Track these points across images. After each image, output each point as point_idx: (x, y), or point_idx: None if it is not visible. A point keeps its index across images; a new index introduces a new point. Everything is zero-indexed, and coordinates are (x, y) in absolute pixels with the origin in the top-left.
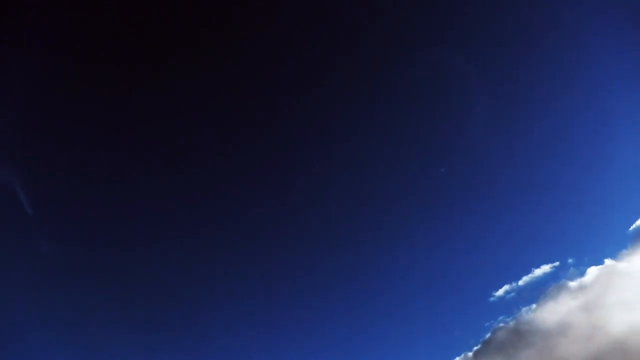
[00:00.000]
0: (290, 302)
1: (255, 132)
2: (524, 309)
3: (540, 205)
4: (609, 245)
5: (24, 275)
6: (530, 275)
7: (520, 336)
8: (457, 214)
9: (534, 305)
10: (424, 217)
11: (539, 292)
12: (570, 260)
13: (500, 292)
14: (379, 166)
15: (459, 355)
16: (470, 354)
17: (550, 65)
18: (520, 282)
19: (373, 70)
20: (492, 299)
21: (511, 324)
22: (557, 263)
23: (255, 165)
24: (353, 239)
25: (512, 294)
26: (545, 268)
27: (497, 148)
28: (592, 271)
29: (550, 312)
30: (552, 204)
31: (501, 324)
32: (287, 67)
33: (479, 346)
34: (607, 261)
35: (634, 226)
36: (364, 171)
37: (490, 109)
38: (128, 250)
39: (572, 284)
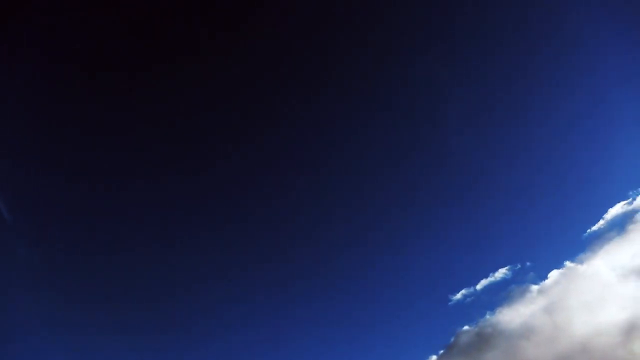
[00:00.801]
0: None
1: (256, 134)
2: (487, 313)
3: (496, 209)
4: (569, 249)
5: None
6: (490, 278)
7: (484, 340)
8: (413, 218)
9: (497, 309)
10: (380, 222)
11: (499, 295)
12: (528, 264)
13: (459, 295)
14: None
15: None
16: (434, 357)
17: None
18: (479, 286)
19: (373, 72)
20: (451, 302)
21: (474, 327)
22: (516, 266)
23: (254, 166)
24: (315, 244)
25: (472, 297)
26: (504, 271)
27: (454, 152)
28: (554, 274)
29: (513, 315)
30: (508, 207)
31: (464, 328)
32: (288, 69)
33: (442, 351)
34: (568, 264)
35: (593, 229)
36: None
37: (457, 112)
38: (123, 253)
39: (534, 287)
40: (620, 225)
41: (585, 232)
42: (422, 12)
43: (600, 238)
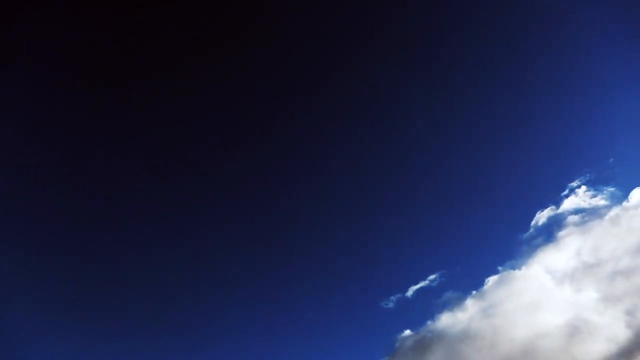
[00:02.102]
0: None
1: (255, 137)
2: (427, 319)
3: (423, 216)
4: (502, 255)
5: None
6: (420, 284)
7: (426, 346)
8: (341, 224)
9: (436, 315)
10: (306, 230)
11: (435, 301)
12: (458, 269)
13: (390, 303)
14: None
15: None
16: None
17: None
18: (409, 292)
19: (373, 72)
20: (383, 309)
21: (415, 333)
22: (446, 272)
23: (254, 170)
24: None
25: (404, 304)
26: (433, 277)
27: (386, 155)
28: (491, 280)
29: (454, 321)
30: (439, 211)
31: (406, 334)
32: (289, 73)
33: (386, 358)
34: (504, 270)
35: (524, 235)
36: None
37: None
38: (122, 257)
39: (473, 292)
40: (550, 230)
41: (517, 238)
42: (422, 14)
43: (532, 244)
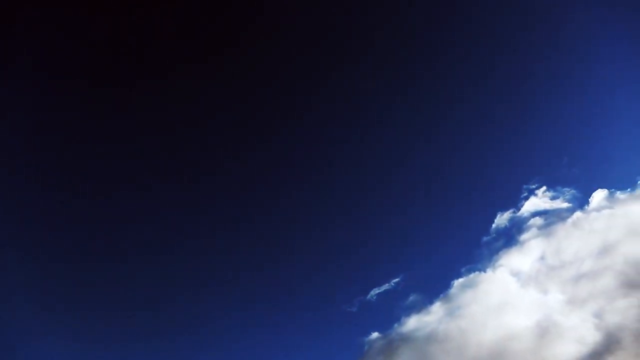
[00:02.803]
0: None
1: (255, 137)
2: (394, 322)
3: (386, 218)
4: (468, 256)
5: None
6: (383, 287)
7: (393, 349)
8: (303, 226)
9: (403, 317)
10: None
11: (400, 304)
12: (423, 273)
13: (353, 307)
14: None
15: None
16: None
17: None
18: (372, 295)
19: (373, 71)
20: (347, 312)
21: (383, 337)
22: (409, 275)
23: (254, 171)
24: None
25: (367, 307)
26: (396, 281)
27: (354, 155)
28: (457, 282)
29: (421, 324)
30: (399, 215)
31: (373, 338)
32: (288, 72)
33: None
34: (467, 271)
35: (486, 238)
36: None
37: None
38: (121, 259)
39: (441, 295)
40: (511, 232)
41: (478, 241)
42: (423, 14)
43: (494, 246)
